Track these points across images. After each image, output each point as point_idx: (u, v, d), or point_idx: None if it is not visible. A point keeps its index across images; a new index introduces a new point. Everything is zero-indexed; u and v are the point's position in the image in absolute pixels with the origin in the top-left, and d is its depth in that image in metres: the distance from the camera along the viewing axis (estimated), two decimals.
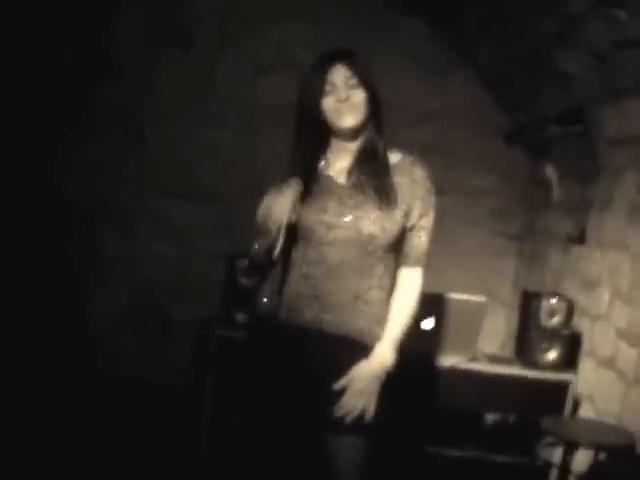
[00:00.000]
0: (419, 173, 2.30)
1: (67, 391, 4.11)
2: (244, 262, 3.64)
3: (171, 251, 4.57)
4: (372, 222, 2.24)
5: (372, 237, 2.24)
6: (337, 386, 2.24)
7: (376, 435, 2.30)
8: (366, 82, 2.27)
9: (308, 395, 2.27)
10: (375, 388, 2.26)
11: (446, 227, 4.41)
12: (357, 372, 2.25)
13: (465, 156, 4.59)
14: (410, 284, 2.34)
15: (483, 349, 3.81)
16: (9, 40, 4.27)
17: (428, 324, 3.53)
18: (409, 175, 2.30)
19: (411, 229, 2.31)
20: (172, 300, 4.52)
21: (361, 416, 2.24)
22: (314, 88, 2.27)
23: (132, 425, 3.95)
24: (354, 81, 2.26)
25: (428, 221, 2.32)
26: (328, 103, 2.26)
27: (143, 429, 3.93)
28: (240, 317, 3.63)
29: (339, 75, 2.25)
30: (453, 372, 3.55)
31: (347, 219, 2.24)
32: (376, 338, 2.29)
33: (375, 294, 2.29)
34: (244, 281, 3.66)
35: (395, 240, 2.28)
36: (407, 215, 2.28)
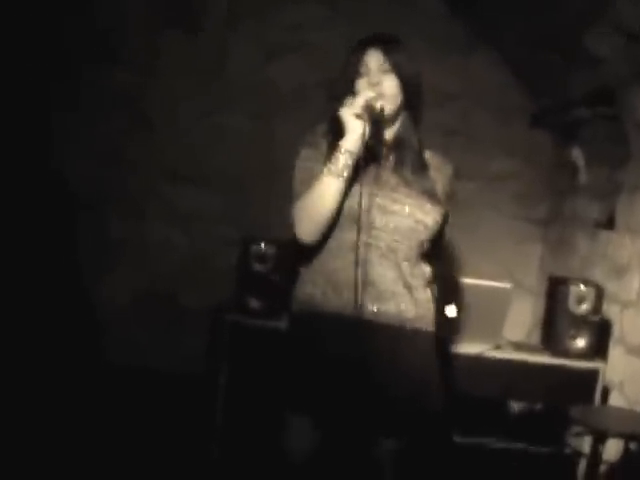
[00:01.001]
0: (450, 171, 2.38)
1: (76, 383, 4.05)
2: (258, 247, 3.57)
3: (181, 237, 4.48)
4: (426, 213, 2.25)
5: (427, 227, 2.26)
6: None
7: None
8: (400, 70, 2.25)
9: (353, 385, 2.19)
10: None
11: (470, 212, 4.37)
12: None
13: (488, 139, 4.47)
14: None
15: (509, 337, 3.73)
16: (8, 24, 4.20)
17: (452, 311, 3.47)
18: (441, 172, 2.35)
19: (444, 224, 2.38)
20: (183, 287, 4.43)
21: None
22: (350, 68, 2.28)
23: (143, 417, 3.89)
24: (387, 67, 2.25)
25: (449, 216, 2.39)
26: (361, 84, 2.25)
27: (155, 420, 3.87)
28: (254, 304, 3.57)
29: (374, 59, 2.26)
30: (478, 360, 3.47)
31: (401, 207, 2.24)
32: (429, 324, 2.30)
33: (420, 282, 2.30)
34: (258, 267, 3.58)
35: (438, 232, 2.33)
36: (442, 208, 2.32)
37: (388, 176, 2.28)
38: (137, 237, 4.47)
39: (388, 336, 2.23)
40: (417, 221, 2.24)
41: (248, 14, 4.45)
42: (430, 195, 2.27)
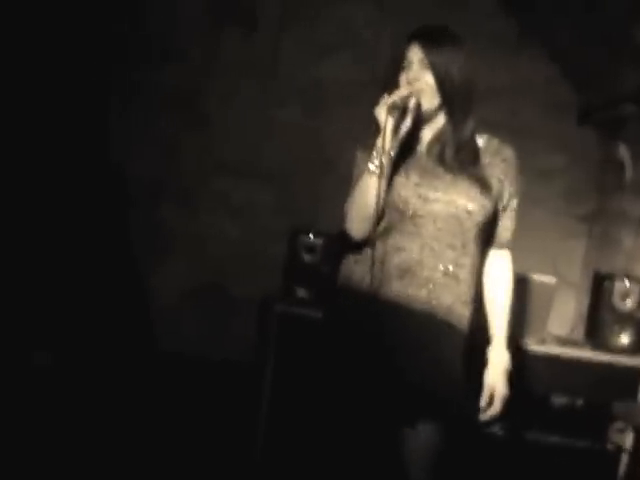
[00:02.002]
0: (509, 153, 2.31)
1: (129, 371, 4.13)
2: (306, 238, 3.63)
3: (233, 229, 4.55)
4: (470, 199, 2.22)
5: (469, 214, 2.22)
6: (483, 404, 2.30)
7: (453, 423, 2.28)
8: (438, 66, 2.22)
9: (386, 372, 2.21)
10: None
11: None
12: (494, 382, 2.30)
13: (535, 135, 4.46)
14: (505, 270, 2.38)
15: (553, 331, 3.73)
16: (71, 23, 4.32)
17: None
18: (499, 155, 2.30)
19: (503, 210, 2.32)
20: (234, 278, 4.50)
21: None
22: (394, 62, 2.27)
23: (193, 405, 3.96)
24: (427, 62, 2.21)
25: (517, 202, 2.34)
26: (401, 79, 2.24)
27: (204, 409, 3.94)
28: (302, 294, 3.62)
29: (414, 54, 2.23)
30: (522, 354, 3.47)
31: (444, 194, 2.22)
32: (462, 319, 2.27)
33: (465, 273, 2.26)
34: (306, 257, 3.64)
35: (489, 219, 2.27)
36: (499, 195, 2.28)
37: (432, 166, 2.26)
38: (190, 228, 4.55)
39: (419, 322, 2.23)
40: (460, 208, 2.21)
41: (301, 13, 4.52)
42: (478, 181, 2.24)
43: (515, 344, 3.48)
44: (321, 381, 2.39)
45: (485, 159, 2.28)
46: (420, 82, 2.21)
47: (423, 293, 2.23)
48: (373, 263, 2.24)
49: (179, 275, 4.53)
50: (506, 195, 2.30)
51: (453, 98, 2.25)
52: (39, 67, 4.27)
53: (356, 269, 2.32)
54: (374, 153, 2.18)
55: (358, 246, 2.32)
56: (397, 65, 2.26)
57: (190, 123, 4.54)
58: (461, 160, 2.25)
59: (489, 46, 4.36)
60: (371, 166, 2.18)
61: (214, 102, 4.55)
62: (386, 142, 2.17)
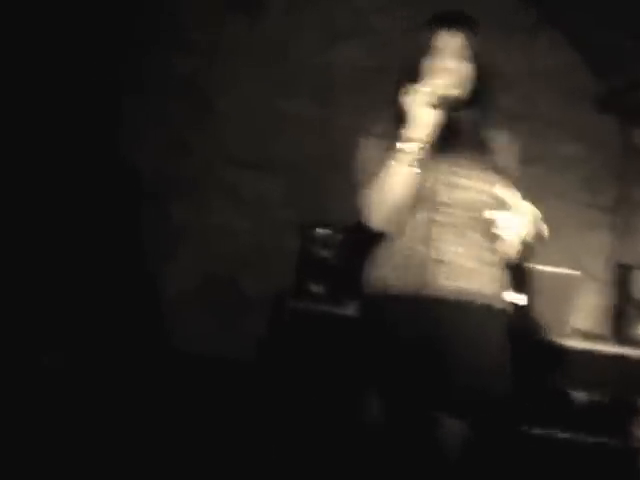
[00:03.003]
0: (514, 150, 2.30)
1: (139, 368, 4.07)
2: (319, 232, 3.56)
3: (243, 223, 4.44)
4: (493, 184, 2.17)
5: (497, 199, 2.16)
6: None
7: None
8: (471, 55, 2.19)
9: (424, 364, 2.16)
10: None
11: (533, 199, 4.25)
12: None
13: (553, 123, 4.36)
14: None
15: (576, 325, 3.65)
16: (71, 11, 4.24)
17: (521, 299, 3.42)
18: (507, 150, 2.28)
19: None
20: (245, 273, 4.40)
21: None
22: (418, 46, 2.21)
23: (205, 402, 3.89)
24: (462, 52, 2.18)
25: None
26: (430, 67, 2.19)
27: (216, 406, 3.88)
28: (315, 289, 3.56)
29: (447, 41, 2.18)
30: (545, 348, 3.40)
31: (467, 181, 2.19)
32: (504, 303, 2.25)
33: (497, 258, 2.22)
34: (319, 252, 3.57)
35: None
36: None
37: (455, 155, 2.22)
38: (199, 223, 4.46)
39: (458, 312, 2.18)
40: (486, 194, 2.18)
41: None
42: (496, 169, 2.21)
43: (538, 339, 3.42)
44: (349, 378, 2.39)
45: (496, 151, 2.26)
46: (454, 72, 2.16)
47: (462, 283, 2.18)
48: (401, 255, 2.21)
49: (189, 271, 4.44)
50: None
51: (479, 87, 2.22)
52: (47, 59, 4.21)
53: (386, 267, 2.26)
54: (406, 144, 2.12)
55: (381, 240, 2.28)
56: (422, 52, 2.20)
57: (198, 115, 4.45)
58: (480, 149, 2.23)
59: (505, 32, 4.26)
60: (401, 156, 2.12)
61: (221, 93, 4.45)
62: (420, 132, 2.11)
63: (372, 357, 2.26)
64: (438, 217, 2.19)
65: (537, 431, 3.47)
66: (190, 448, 3.52)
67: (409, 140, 2.12)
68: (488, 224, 2.16)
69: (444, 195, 2.19)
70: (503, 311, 2.25)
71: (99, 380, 3.88)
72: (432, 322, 2.16)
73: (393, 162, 2.14)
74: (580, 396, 3.64)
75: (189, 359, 4.13)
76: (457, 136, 2.23)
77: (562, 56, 4.35)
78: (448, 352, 2.16)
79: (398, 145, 2.14)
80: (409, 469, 2.29)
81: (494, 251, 2.20)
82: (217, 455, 3.51)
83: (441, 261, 2.17)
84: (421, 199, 2.18)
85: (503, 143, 2.28)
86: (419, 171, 2.14)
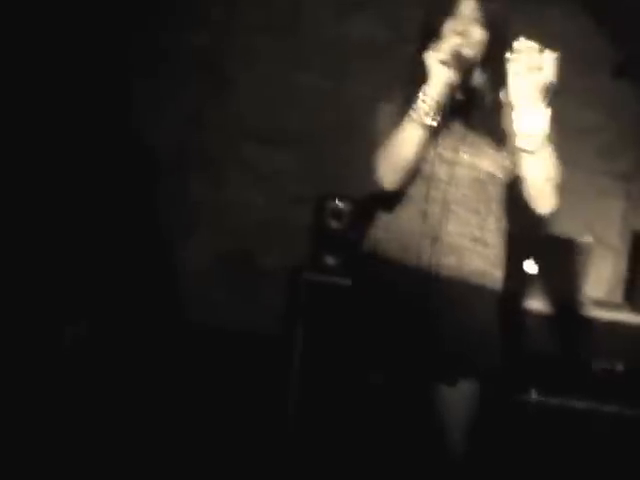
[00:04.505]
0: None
1: (157, 342, 4.12)
2: (333, 204, 3.55)
3: (259, 198, 4.46)
4: (491, 161, 2.18)
5: (492, 176, 2.19)
6: None
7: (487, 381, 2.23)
8: (490, 23, 2.19)
9: (416, 336, 2.18)
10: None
11: None
12: None
13: (567, 91, 4.27)
14: None
15: (590, 294, 3.64)
16: None
17: (531, 267, 3.40)
18: None
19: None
20: (261, 247, 4.43)
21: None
22: (439, 10, 2.21)
23: (221, 376, 3.94)
24: (478, 17, 2.17)
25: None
26: (448, 28, 2.18)
27: (232, 380, 3.91)
28: (330, 261, 3.56)
29: (467, 5, 2.18)
30: (558, 318, 3.40)
31: (465, 157, 2.18)
32: (495, 282, 2.24)
33: (494, 236, 2.24)
34: (333, 224, 3.56)
35: (512, 178, 2.22)
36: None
37: (455, 126, 2.21)
38: (216, 198, 4.48)
39: (448, 289, 2.19)
40: (482, 171, 2.19)
41: None
42: (500, 141, 2.19)
43: (556, 308, 3.42)
44: (351, 348, 2.37)
45: (506, 113, 2.19)
46: (471, 35, 2.16)
47: (452, 261, 2.18)
48: (397, 228, 2.22)
49: (205, 245, 4.46)
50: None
51: (495, 55, 2.17)
52: (61, 36, 4.20)
53: (381, 236, 2.28)
54: (420, 101, 2.11)
55: (382, 208, 2.28)
56: (445, 13, 2.19)
57: (213, 89, 4.45)
58: (485, 117, 2.22)
59: (516, 0, 4.21)
60: (415, 115, 2.12)
61: (236, 67, 4.44)
62: (438, 91, 2.11)
63: (364, 320, 2.28)
64: (434, 193, 2.18)
65: (553, 400, 3.48)
66: (208, 420, 3.55)
67: (424, 98, 2.11)
68: (480, 202, 2.17)
69: (441, 172, 2.18)
70: (489, 290, 2.24)
71: (120, 351, 3.93)
72: (418, 295, 2.17)
73: (407, 121, 2.14)
74: (595, 365, 3.64)
75: (207, 332, 4.17)
76: (468, 107, 2.22)
77: (577, 23, 4.28)
78: (441, 327, 2.18)
79: (413, 105, 2.13)
80: (411, 436, 2.32)
81: (494, 229, 2.22)
82: (235, 427, 3.55)
83: (435, 238, 2.17)
84: (419, 174, 2.19)
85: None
86: (434, 127, 2.13)
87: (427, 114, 2.11)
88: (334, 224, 3.57)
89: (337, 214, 3.57)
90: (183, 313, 4.36)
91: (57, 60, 4.19)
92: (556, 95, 4.06)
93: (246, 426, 3.56)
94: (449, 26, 2.18)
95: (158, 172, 4.46)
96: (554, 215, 3.51)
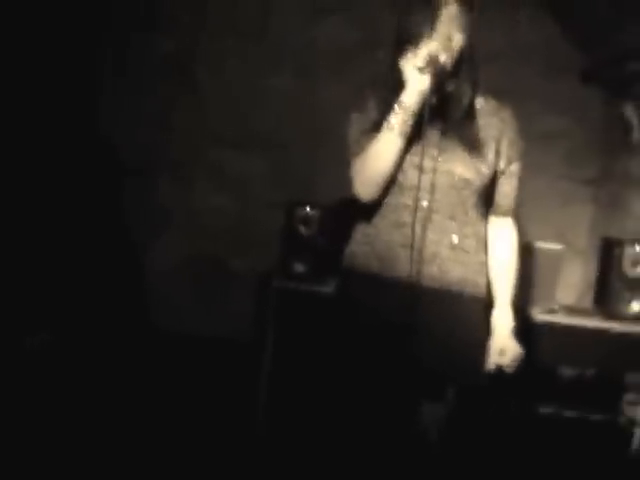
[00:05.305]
0: (507, 114, 2.24)
1: (123, 348, 4.06)
2: (302, 210, 3.53)
3: (228, 202, 4.42)
4: (466, 167, 2.15)
5: (467, 182, 2.16)
6: (490, 366, 2.22)
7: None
8: (469, 29, 2.16)
9: (397, 348, 2.14)
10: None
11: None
12: (503, 344, 2.23)
13: (535, 96, 4.31)
14: (507, 237, 2.30)
15: (561, 300, 3.64)
16: None
17: None
18: (497, 116, 2.22)
19: (501, 174, 2.24)
20: (231, 252, 4.39)
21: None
22: (418, 17, 2.14)
23: (189, 382, 3.89)
24: (459, 22, 2.14)
25: (517, 167, 2.26)
26: (427, 36, 2.12)
27: (201, 386, 3.87)
28: (299, 268, 3.53)
29: (448, 12, 2.13)
30: (530, 324, 3.39)
31: (442, 164, 2.14)
32: (478, 288, 2.22)
33: (472, 242, 2.21)
34: (303, 230, 3.54)
35: (488, 185, 2.21)
36: (496, 158, 2.20)
37: (430, 133, 2.16)
38: (184, 202, 4.44)
39: (431, 299, 2.15)
40: (457, 177, 2.15)
41: None
42: (474, 145, 2.17)
43: (522, 315, 3.40)
44: (328, 357, 2.34)
45: (482, 120, 2.20)
46: (454, 41, 2.12)
47: (434, 269, 2.16)
48: (374, 237, 2.20)
49: (174, 250, 4.42)
50: (503, 158, 2.22)
51: (469, 62, 2.18)
52: (26, 40, 4.12)
53: (359, 249, 2.26)
54: (397, 110, 2.09)
55: (360, 217, 2.26)
56: (421, 19, 2.13)
57: (182, 94, 4.41)
58: (460, 122, 2.18)
59: (485, 6, 4.19)
60: (391, 124, 2.09)
61: (205, 71, 4.41)
62: (414, 100, 2.08)
63: (345, 334, 2.26)
64: (410, 202, 2.15)
65: (523, 408, 3.47)
66: (177, 428, 3.50)
67: (401, 107, 2.09)
68: (456, 208, 2.16)
69: (413, 179, 2.14)
70: (473, 297, 2.22)
71: (83, 360, 3.86)
72: (399, 307, 2.12)
73: (383, 131, 2.11)
74: (566, 372, 3.65)
75: (174, 338, 4.12)
76: (443, 114, 2.18)
77: (544, 28, 4.30)
78: (415, 337, 2.13)
79: (389, 114, 2.10)
80: (391, 451, 2.29)
81: (472, 235, 2.20)
82: (205, 433, 3.50)
83: (411, 247, 2.13)
84: (394, 181, 2.16)
85: (493, 109, 2.23)
86: (404, 141, 2.11)
87: (404, 123, 2.08)
88: (303, 230, 3.54)
89: (306, 221, 3.54)
90: (151, 318, 4.29)
91: (24, 61, 4.11)
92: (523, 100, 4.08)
93: (216, 432, 3.52)
94: (428, 33, 2.13)
95: (126, 176, 4.40)
96: (523, 221, 3.52)
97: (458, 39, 2.14)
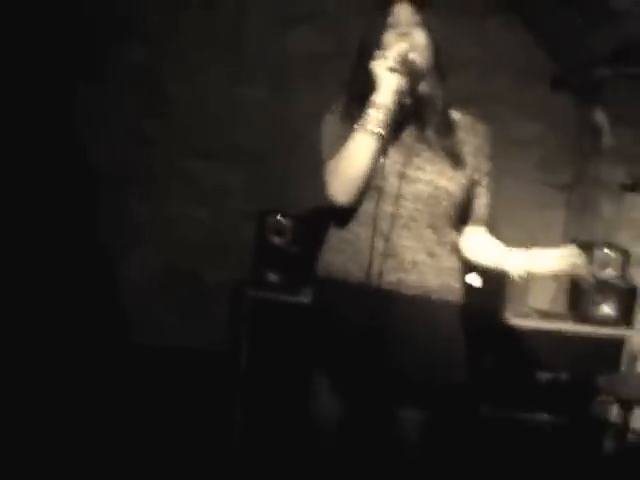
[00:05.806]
0: (483, 130, 2.27)
1: (99, 361, 4.04)
2: (274, 220, 3.53)
3: (202, 213, 4.41)
4: (449, 178, 2.16)
5: (448, 194, 2.17)
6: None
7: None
8: (429, 25, 2.18)
9: (374, 355, 2.14)
10: None
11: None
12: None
13: (507, 103, 4.34)
14: (489, 238, 2.35)
15: (533, 304, 3.67)
16: (33, 5, 4.15)
17: (475, 280, 3.40)
18: (473, 131, 2.25)
19: (478, 186, 2.27)
20: (206, 264, 4.38)
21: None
22: (377, 22, 2.18)
23: (166, 393, 3.88)
24: (417, 20, 2.16)
25: (491, 181, 2.30)
26: (389, 37, 2.16)
27: (177, 397, 3.86)
28: (272, 277, 3.53)
29: (403, 11, 2.16)
30: (503, 329, 3.41)
31: (422, 173, 2.15)
32: (454, 292, 2.23)
33: (448, 250, 2.23)
34: (275, 240, 3.54)
35: (464, 196, 2.24)
36: (473, 171, 2.23)
37: (410, 139, 2.18)
38: (159, 213, 4.42)
39: (410, 307, 2.16)
40: (438, 188, 2.15)
41: None
42: (454, 159, 2.18)
43: (495, 320, 3.43)
44: (304, 366, 2.32)
45: (459, 134, 2.22)
46: (413, 37, 2.14)
47: (410, 277, 2.16)
48: (351, 244, 2.19)
49: (148, 262, 4.40)
50: (480, 172, 2.26)
51: (439, 60, 2.20)
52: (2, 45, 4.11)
53: (335, 257, 2.25)
54: (370, 111, 2.09)
55: (336, 223, 2.25)
56: (381, 24, 2.17)
57: (155, 104, 4.39)
58: (439, 133, 2.19)
59: (456, 14, 4.22)
60: (365, 124, 2.09)
61: (178, 82, 4.39)
62: (388, 99, 2.09)
63: (323, 343, 2.25)
64: (386, 208, 2.14)
65: (497, 412, 3.49)
66: (154, 438, 3.49)
67: (374, 107, 2.09)
68: (435, 217, 2.17)
69: (394, 186, 2.14)
70: (451, 304, 2.23)
71: (59, 373, 3.84)
72: (377, 313, 2.13)
73: (357, 132, 2.10)
74: (540, 375, 3.68)
75: (149, 350, 4.10)
76: (420, 117, 2.20)
77: (516, 35, 4.33)
78: (394, 344, 2.15)
79: (363, 115, 2.10)
80: (368, 461, 2.30)
81: (443, 243, 2.21)
82: (181, 444, 3.50)
83: (388, 254, 2.13)
84: (373, 188, 2.14)
85: (468, 125, 2.25)
86: (385, 137, 2.11)
87: (379, 123, 2.08)
88: (276, 240, 3.54)
89: (279, 230, 3.54)
90: (126, 330, 4.27)
91: None
92: (495, 107, 4.11)
93: (192, 443, 3.51)
94: (390, 34, 2.16)
95: (99, 187, 4.37)
96: (496, 225, 3.54)
97: (420, 36, 2.16)
